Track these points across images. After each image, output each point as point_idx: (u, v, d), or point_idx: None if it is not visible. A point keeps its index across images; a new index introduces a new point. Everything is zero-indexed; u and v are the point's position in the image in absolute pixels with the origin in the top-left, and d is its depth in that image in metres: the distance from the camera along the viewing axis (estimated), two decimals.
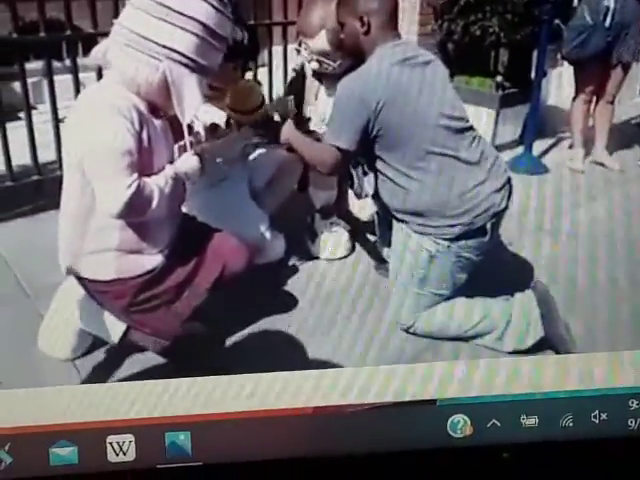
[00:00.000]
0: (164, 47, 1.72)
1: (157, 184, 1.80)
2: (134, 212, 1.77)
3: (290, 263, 2.77)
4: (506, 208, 2.15)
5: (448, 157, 2.06)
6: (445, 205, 2.08)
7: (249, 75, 2.77)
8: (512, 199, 2.19)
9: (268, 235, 2.57)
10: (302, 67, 2.74)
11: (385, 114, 2.01)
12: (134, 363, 2.06)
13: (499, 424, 1.46)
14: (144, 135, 1.77)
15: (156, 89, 1.77)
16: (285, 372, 1.47)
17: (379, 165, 2.15)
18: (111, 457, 1.43)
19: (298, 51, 2.58)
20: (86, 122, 1.75)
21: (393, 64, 2.04)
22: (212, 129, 2.34)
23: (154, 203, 1.78)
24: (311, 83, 2.74)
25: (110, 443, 1.42)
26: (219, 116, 2.40)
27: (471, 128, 2.14)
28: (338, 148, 2.07)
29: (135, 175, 1.72)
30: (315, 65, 2.54)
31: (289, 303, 2.49)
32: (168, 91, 1.76)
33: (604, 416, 1.47)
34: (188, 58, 1.75)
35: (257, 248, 2.46)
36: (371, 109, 2.01)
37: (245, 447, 1.45)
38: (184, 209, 2.15)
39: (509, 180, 2.19)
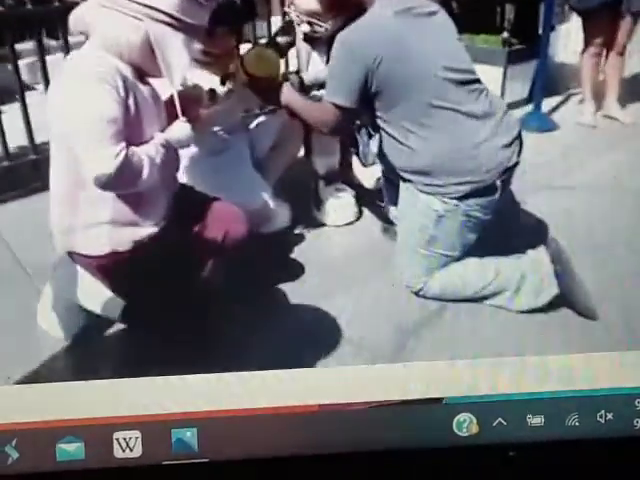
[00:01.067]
0: (144, 5, 1.66)
1: (147, 153, 1.73)
2: (124, 183, 1.72)
3: (296, 231, 2.71)
4: (517, 164, 2.08)
5: (453, 111, 1.98)
6: (452, 162, 2.01)
7: (245, 45, 2.64)
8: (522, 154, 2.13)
9: (272, 204, 2.53)
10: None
11: (386, 67, 1.93)
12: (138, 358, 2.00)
13: (505, 423, 1.47)
14: (130, 102, 1.71)
15: (139, 51, 1.71)
16: (291, 369, 1.49)
17: (381, 123, 2.08)
18: (117, 453, 1.43)
19: (286, 13, 2.41)
20: (68, 92, 1.69)
21: (396, 13, 1.96)
22: (210, 96, 2.27)
23: (144, 173, 1.72)
24: (302, 49, 2.66)
25: (117, 439, 1.43)
26: (217, 82, 2.33)
27: (477, 81, 2.05)
28: (337, 105, 2.00)
29: (122, 144, 1.66)
30: (306, 28, 2.33)
31: (297, 271, 2.43)
32: (153, 53, 1.71)
33: (610, 416, 1.48)
34: (170, 16, 1.69)
35: (261, 217, 2.46)
36: (370, 62, 1.93)
37: (251, 444, 1.46)
38: (183, 179, 2.13)
39: (519, 134, 2.11)
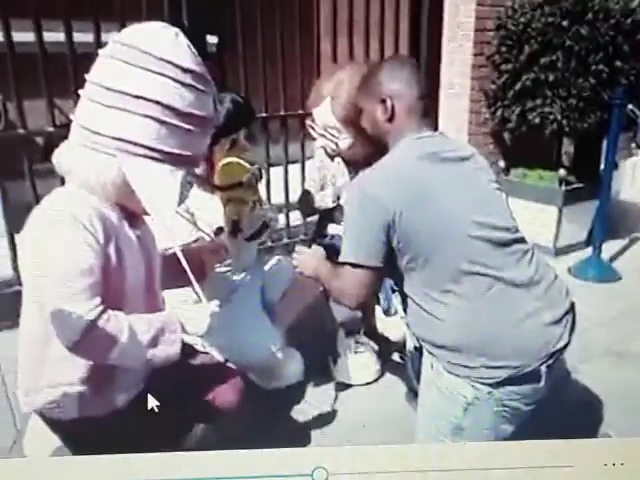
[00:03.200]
0: (115, 139, 1.45)
1: (132, 326, 1.48)
2: (92, 348, 1.45)
3: (307, 388, 2.50)
4: (567, 344, 1.70)
5: (488, 277, 1.63)
6: (485, 341, 1.64)
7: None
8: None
9: (281, 355, 2.29)
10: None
11: (407, 221, 1.63)
12: None
13: None
14: (111, 250, 1.49)
15: (116, 190, 1.51)
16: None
17: (403, 284, 1.77)
18: None
19: (312, 128, 2.37)
20: (38, 235, 1.48)
21: (417, 158, 1.68)
22: (217, 234, 2.14)
23: (120, 345, 1.45)
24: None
25: None
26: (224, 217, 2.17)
27: (520, 240, 1.72)
28: (354, 264, 1.69)
29: (97, 299, 1.43)
30: (321, 142, 2.32)
31: (302, 439, 2.20)
32: (133, 191, 1.49)
33: None
34: (148, 148, 1.47)
35: (268, 372, 2.35)
36: (390, 214, 1.63)
37: None
38: None
39: (572, 307, 1.75)
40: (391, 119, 1.77)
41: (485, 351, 1.64)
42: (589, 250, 3.70)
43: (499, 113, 3.88)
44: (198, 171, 1.97)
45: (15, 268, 2.95)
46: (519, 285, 1.66)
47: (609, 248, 3.80)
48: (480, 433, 1.73)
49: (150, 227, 1.71)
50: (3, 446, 1.87)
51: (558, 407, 2.05)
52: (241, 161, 2.09)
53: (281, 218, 3.28)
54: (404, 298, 1.83)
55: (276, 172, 3.57)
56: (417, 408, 1.88)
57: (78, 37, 2.93)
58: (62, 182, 1.60)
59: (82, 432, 1.61)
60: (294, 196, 3.07)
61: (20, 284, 2.30)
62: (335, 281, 1.79)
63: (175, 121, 1.47)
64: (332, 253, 1.92)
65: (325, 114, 2.24)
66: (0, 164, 2.90)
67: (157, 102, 1.44)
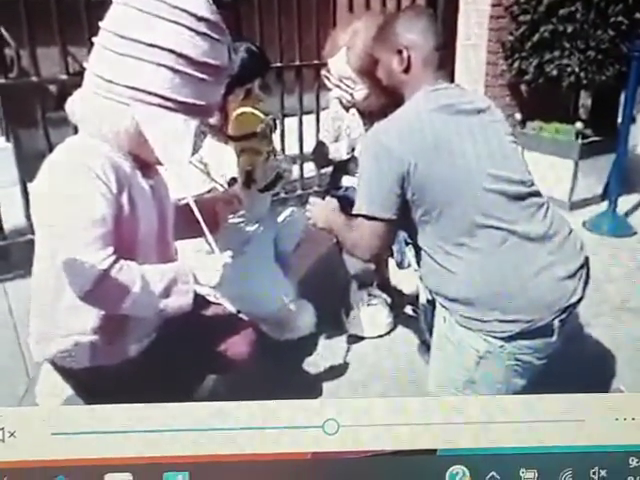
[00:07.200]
0: (128, 87, 1.44)
1: (144, 275, 1.49)
2: (104, 298, 1.47)
3: (319, 340, 2.49)
4: (581, 299, 1.70)
5: (502, 231, 1.63)
6: (498, 294, 1.64)
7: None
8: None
9: (293, 306, 2.31)
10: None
11: (421, 173, 1.61)
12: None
13: (498, 477, 1.43)
14: (124, 199, 1.49)
15: (129, 140, 1.49)
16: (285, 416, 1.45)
17: (417, 238, 1.76)
18: None
19: (327, 78, 2.36)
20: (50, 184, 1.48)
21: (433, 110, 1.66)
22: (230, 185, 2.14)
23: (132, 295, 1.47)
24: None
25: None
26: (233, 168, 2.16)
27: (536, 194, 1.70)
28: (368, 216, 1.68)
29: (110, 249, 1.44)
30: (336, 92, 2.32)
31: (314, 391, 2.21)
32: (147, 140, 1.48)
33: (603, 473, 1.44)
34: (161, 97, 1.45)
35: (281, 322, 2.33)
36: (404, 166, 1.61)
37: None
38: None
39: (586, 261, 1.73)
40: (407, 70, 1.72)
41: (498, 305, 1.64)
42: (605, 204, 3.67)
43: (516, 65, 3.82)
44: (212, 121, 1.93)
45: (28, 217, 2.94)
46: (533, 239, 1.64)
47: (625, 202, 3.76)
48: (492, 387, 1.74)
49: (163, 177, 1.70)
50: (15, 394, 1.88)
51: (570, 361, 2.05)
52: (255, 111, 2.06)
53: (295, 169, 3.28)
54: (417, 251, 1.81)
55: (290, 123, 3.54)
56: (429, 361, 1.90)
57: None
58: (75, 130, 1.58)
59: (94, 381, 1.62)
60: (308, 147, 3.05)
61: (33, 233, 2.29)
62: (348, 233, 1.77)
63: (189, 70, 1.45)
64: (346, 205, 1.88)
65: (340, 64, 2.22)
66: (13, 112, 2.90)
67: (171, 51, 1.41)
